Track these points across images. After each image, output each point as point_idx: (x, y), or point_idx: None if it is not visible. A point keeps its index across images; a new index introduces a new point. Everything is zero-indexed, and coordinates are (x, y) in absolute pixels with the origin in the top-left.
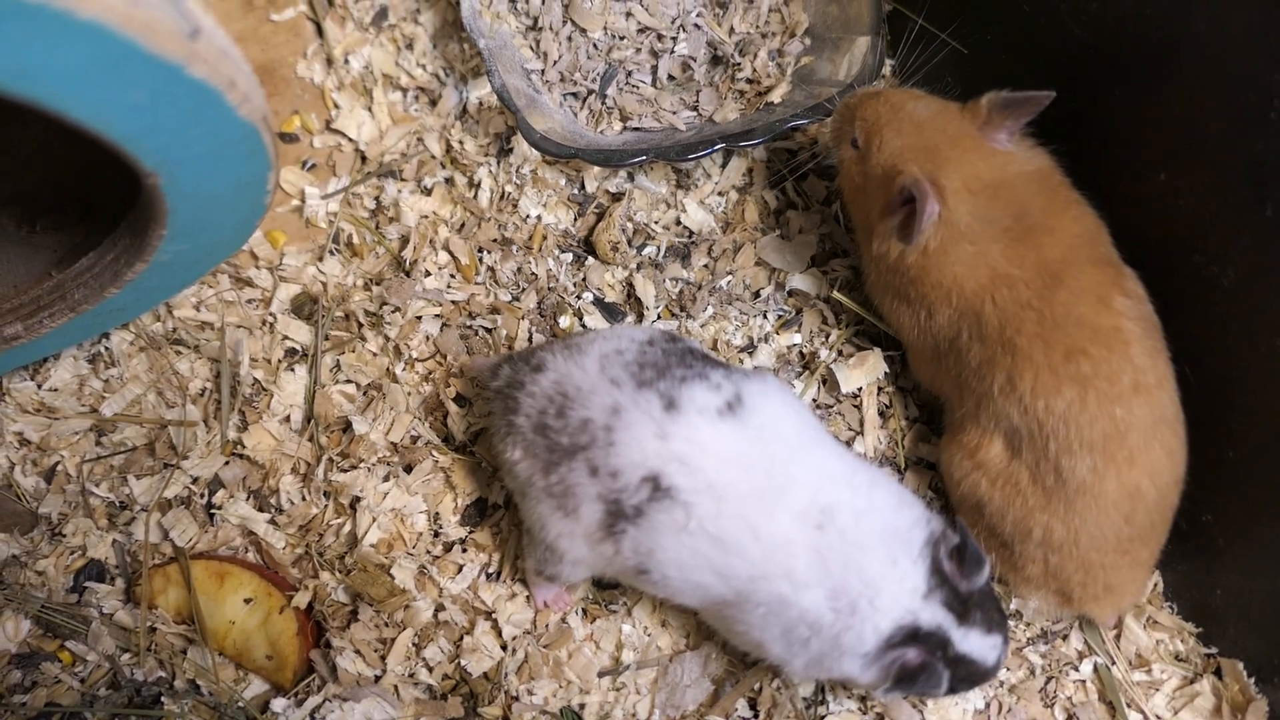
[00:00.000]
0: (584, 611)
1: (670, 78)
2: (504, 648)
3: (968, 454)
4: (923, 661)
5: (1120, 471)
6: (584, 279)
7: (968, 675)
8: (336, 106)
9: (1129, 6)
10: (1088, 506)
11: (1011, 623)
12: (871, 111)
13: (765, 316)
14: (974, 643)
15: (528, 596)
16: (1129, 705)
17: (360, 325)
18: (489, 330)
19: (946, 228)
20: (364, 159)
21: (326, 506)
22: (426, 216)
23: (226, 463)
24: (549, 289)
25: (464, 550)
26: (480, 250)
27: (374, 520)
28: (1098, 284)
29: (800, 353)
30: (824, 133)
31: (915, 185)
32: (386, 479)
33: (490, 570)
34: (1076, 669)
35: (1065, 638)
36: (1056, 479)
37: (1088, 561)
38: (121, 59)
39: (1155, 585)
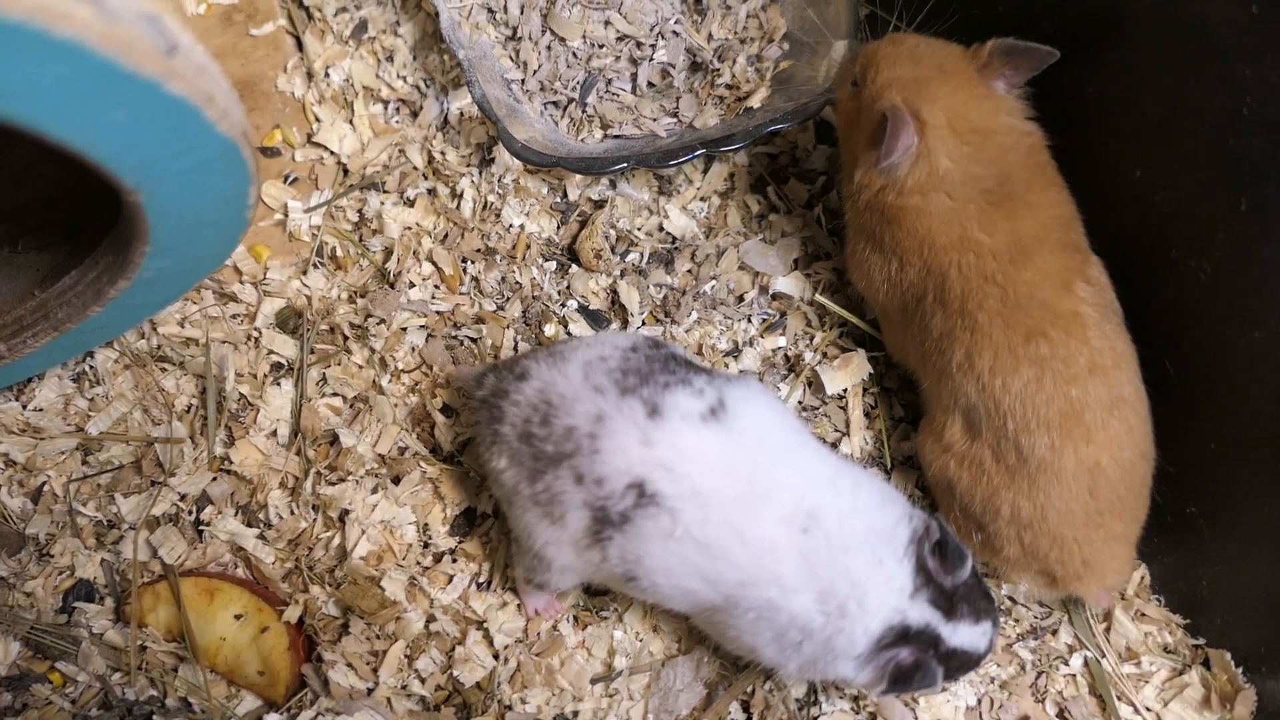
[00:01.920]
0: (575, 619)
1: (650, 85)
2: (496, 657)
3: (935, 437)
4: (916, 660)
5: (1078, 448)
6: (568, 287)
7: (962, 665)
8: (317, 120)
9: (1102, 7)
10: (1050, 482)
11: (1001, 619)
12: (874, 49)
13: (749, 320)
14: (964, 635)
15: (519, 605)
16: (1119, 698)
17: (345, 338)
18: (474, 340)
19: (926, 166)
20: (346, 172)
21: (315, 520)
22: (410, 228)
23: (214, 479)
24: (533, 298)
25: (454, 560)
26: (464, 260)
27: (363, 533)
28: (1063, 269)
29: (785, 356)
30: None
31: (893, 112)
32: (375, 491)
33: (481, 580)
34: (1066, 663)
35: (1055, 632)
36: (1018, 457)
37: (1060, 537)
38: (99, 77)
39: (1142, 578)
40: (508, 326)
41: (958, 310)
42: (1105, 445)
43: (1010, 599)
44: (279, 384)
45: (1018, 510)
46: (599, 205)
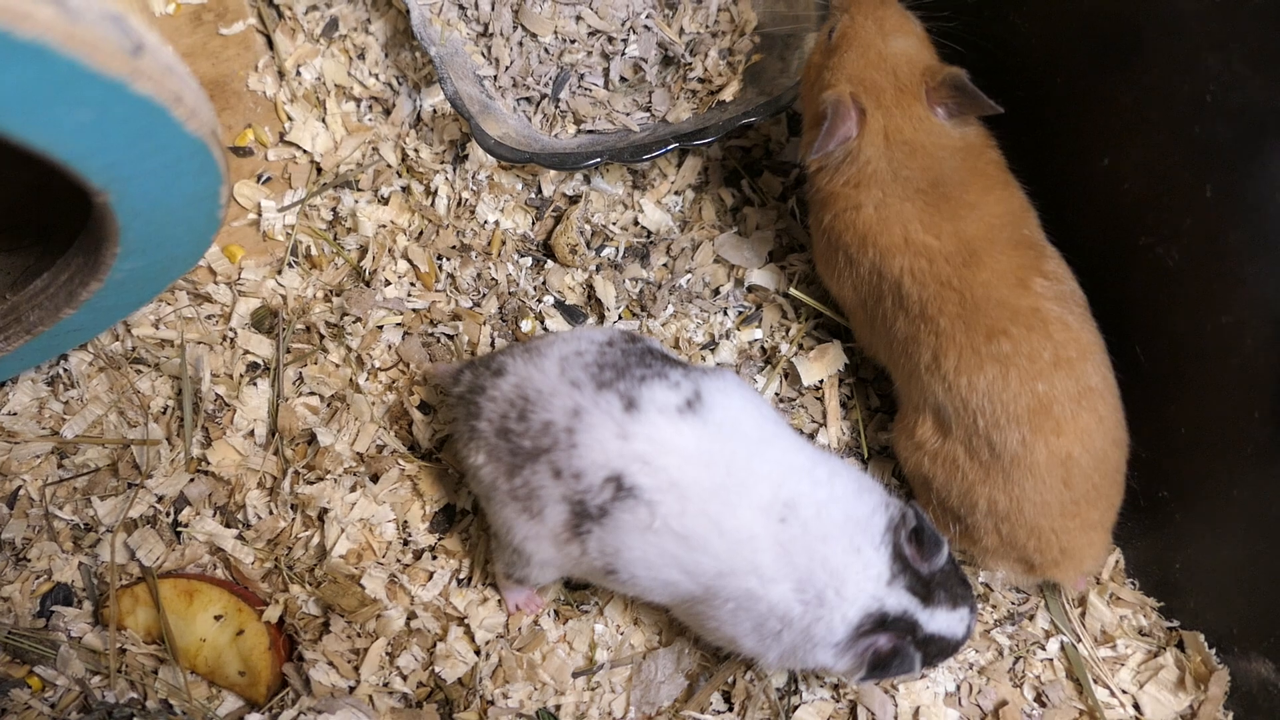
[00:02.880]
0: (556, 613)
1: (622, 79)
2: (478, 653)
3: (908, 434)
4: (894, 647)
5: (1049, 441)
6: (544, 282)
7: (940, 651)
8: (290, 119)
9: None
10: (1024, 476)
11: (979, 605)
12: (862, 19)
13: (725, 313)
14: (941, 621)
15: (499, 601)
16: (1095, 681)
17: (321, 337)
18: (451, 337)
19: (857, 166)
20: (319, 170)
21: (294, 519)
22: (384, 226)
23: (191, 480)
24: (509, 294)
25: (434, 557)
26: (439, 257)
27: (342, 531)
28: (1018, 267)
29: (761, 348)
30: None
31: (835, 106)
32: (353, 489)
33: (461, 576)
34: (1043, 648)
35: (1031, 618)
36: (990, 453)
37: (1037, 528)
38: (64, 78)
39: (1117, 562)
40: (484, 323)
41: (918, 315)
42: (1076, 436)
43: (987, 586)
44: (255, 384)
45: (994, 504)
46: (573, 200)
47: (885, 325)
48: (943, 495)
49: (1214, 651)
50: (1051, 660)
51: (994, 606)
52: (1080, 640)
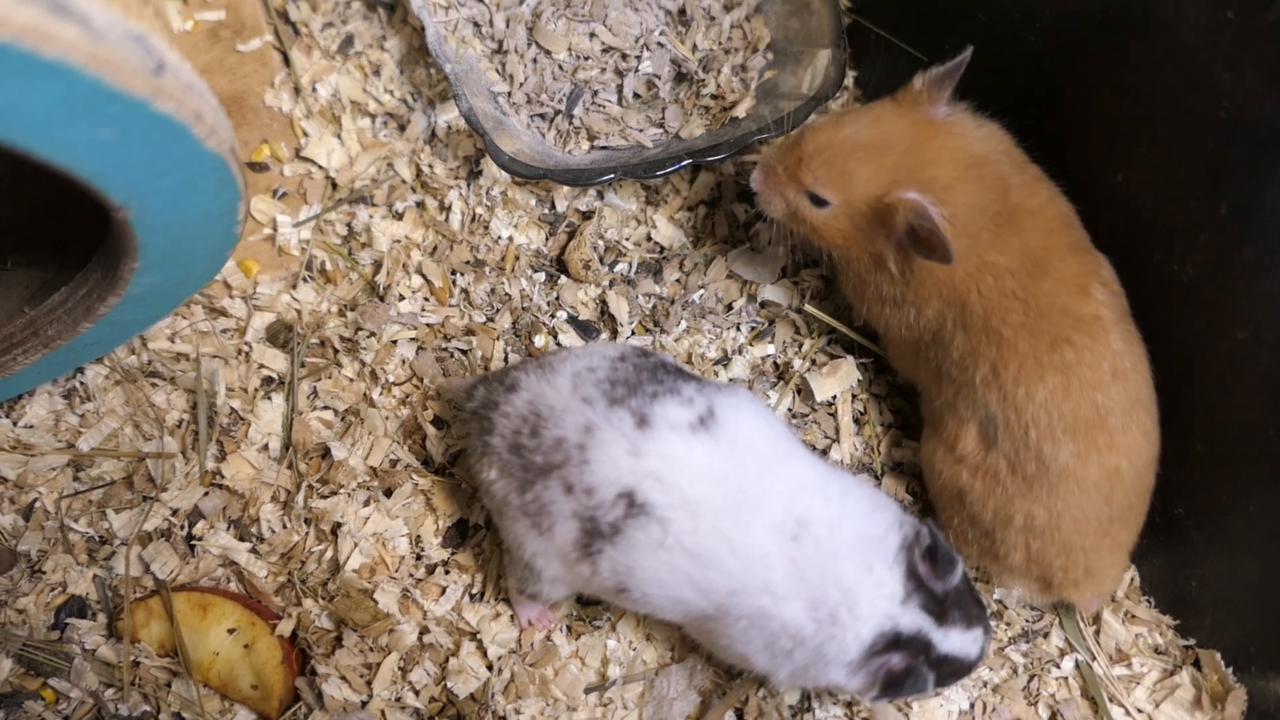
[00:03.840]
0: (568, 628)
1: (636, 96)
2: (490, 668)
3: (948, 448)
4: (907, 666)
5: (1101, 455)
6: (557, 298)
7: (953, 672)
8: (305, 134)
9: (1082, 13)
10: (1071, 491)
11: (993, 623)
12: (819, 162)
13: (738, 329)
14: (955, 641)
15: (512, 616)
16: (1111, 700)
17: (336, 351)
18: (464, 352)
19: (951, 227)
20: (335, 186)
21: (307, 533)
22: (399, 241)
23: (206, 493)
24: (523, 309)
25: (447, 572)
26: (453, 273)
27: (355, 545)
28: (1078, 274)
29: (774, 363)
30: (767, 199)
31: (916, 212)
32: (367, 504)
33: (474, 591)
34: (1058, 666)
35: (1046, 635)
36: (1038, 466)
37: (1069, 545)
38: (87, 97)
39: (1132, 580)
40: (497, 338)
41: (981, 329)
42: (1125, 450)
43: (1001, 603)
44: (270, 398)
45: (1031, 519)
46: (587, 216)
47: (941, 348)
48: (977, 509)
49: (1231, 670)
50: (1066, 679)
51: (1008, 624)
52: (1095, 658)
